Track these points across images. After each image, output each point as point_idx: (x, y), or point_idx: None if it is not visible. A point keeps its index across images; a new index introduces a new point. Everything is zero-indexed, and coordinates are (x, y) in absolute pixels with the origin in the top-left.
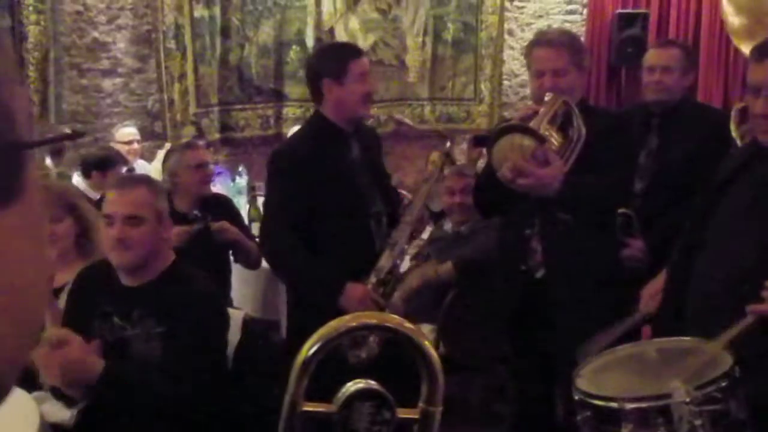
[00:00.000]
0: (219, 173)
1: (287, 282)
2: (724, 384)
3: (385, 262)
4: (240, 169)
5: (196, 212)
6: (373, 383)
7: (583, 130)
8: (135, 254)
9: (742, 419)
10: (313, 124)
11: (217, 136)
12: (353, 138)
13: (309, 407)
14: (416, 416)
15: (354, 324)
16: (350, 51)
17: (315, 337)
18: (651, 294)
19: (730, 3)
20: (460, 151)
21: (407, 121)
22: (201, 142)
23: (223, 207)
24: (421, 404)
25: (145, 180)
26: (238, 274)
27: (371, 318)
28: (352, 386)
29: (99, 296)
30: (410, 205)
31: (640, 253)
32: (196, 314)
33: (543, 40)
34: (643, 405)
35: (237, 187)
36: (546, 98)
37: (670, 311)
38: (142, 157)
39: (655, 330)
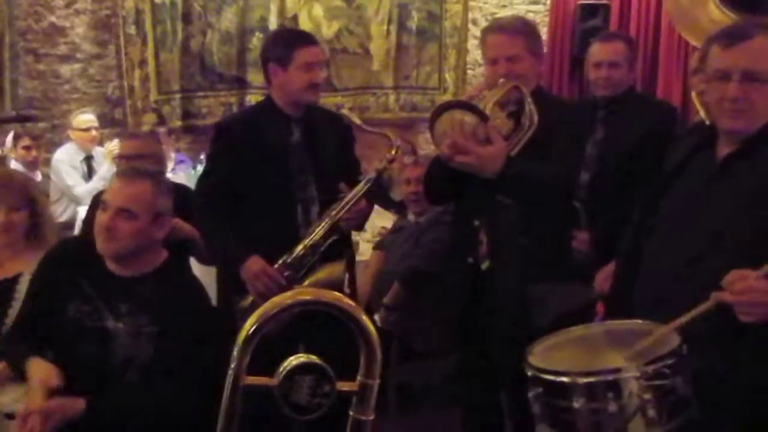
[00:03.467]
0: (181, 161)
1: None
2: (671, 361)
3: (299, 247)
4: (202, 157)
5: None
6: (313, 357)
7: (536, 118)
8: (118, 246)
9: (687, 396)
10: (261, 104)
11: (178, 123)
12: (297, 123)
13: (251, 381)
14: (355, 389)
15: (291, 301)
16: (298, 39)
17: (256, 314)
18: (606, 276)
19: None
20: (424, 140)
21: (355, 119)
22: (144, 131)
23: (180, 199)
24: (359, 377)
25: (151, 176)
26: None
27: (309, 294)
28: (294, 360)
29: (79, 276)
30: (340, 201)
31: (585, 246)
32: (194, 319)
33: (497, 26)
34: (595, 379)
35: (198, 175)
36: (499, 84)
37: (621, 297)
38: (101, 144)
39: (607, 314)
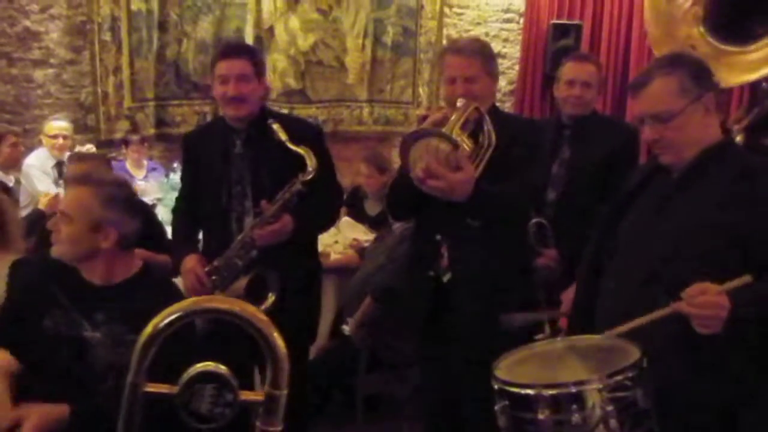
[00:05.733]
0: (153, 169)
1: None
2: (632, 374)
3: (224, 256)
4: (175, 165)
5: None
6: (220, 366)
7: (494, 137)
8: (62, 249)
9: (647, 408)
10: (218, 116)
11: (152, 131)
12: (239, 134)
13: (151, 388)
14: (261, 399)
15: (195, 308)
16: (220, 53)
17: (157, 318)
18: (572, 297)
19: (649, 12)
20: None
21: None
22: (89, 149)
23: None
24: (266, 387)
25: (96, 183)
26: None
27: (214, 302)
28: (195, 369)
29: (55, 286)
30: (261, 215)
31: (552, 263)
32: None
33: (455, 48)
34: (559, 391)
35: (171, 183)
36: (458, 104)
37: (583, 312)
38: (73, 150)
39: (570, 329)
